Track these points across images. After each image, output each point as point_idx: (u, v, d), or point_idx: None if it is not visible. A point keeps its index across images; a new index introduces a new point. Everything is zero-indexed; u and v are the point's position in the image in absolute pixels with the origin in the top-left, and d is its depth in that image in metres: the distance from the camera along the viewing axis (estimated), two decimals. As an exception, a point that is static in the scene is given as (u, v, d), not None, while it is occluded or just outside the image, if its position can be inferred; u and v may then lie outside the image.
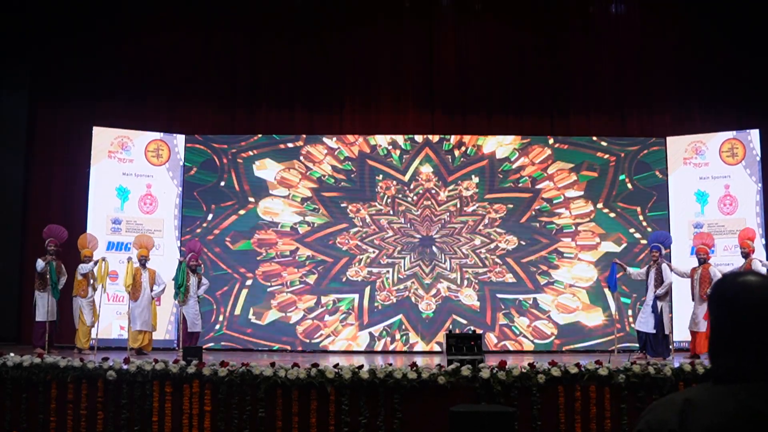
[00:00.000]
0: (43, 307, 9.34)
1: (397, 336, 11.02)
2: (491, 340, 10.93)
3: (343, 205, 11.40)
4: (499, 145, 11.41)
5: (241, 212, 11.33)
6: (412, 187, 11.42)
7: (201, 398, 6.76)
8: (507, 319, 11.11)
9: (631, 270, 9.76)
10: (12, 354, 7.18)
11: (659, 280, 9.15)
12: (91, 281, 9.74)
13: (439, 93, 11.63)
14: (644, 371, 6.71)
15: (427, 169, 11.45)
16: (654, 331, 9.00)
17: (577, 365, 6.77)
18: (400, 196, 11.41)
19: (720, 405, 1.41)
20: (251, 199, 11.35)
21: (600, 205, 11.25)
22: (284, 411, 6.65)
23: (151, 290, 9.81)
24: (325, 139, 11.50)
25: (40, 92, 11.48)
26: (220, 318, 11.08)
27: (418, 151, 11.50)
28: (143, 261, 9.84)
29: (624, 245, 11.08)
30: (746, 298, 1.47)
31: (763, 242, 10.31)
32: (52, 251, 9.56)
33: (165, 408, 6.78)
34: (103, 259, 9.61)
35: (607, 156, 11.34)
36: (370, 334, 11.08)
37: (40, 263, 9.46)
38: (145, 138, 11.16)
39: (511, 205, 11.32)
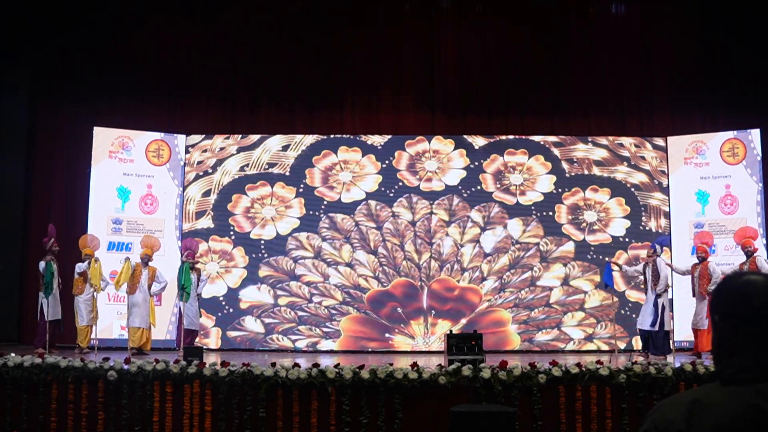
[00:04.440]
0: (45, 306, 9.35)
1: None
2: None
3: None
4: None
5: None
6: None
7: (202, 398, 6.76)
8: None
9: (626, 267, 9.81)
10: (13, 354, 7.19)
11: (657, 278, 9.16)
12: (88, 280, 9.74)
13: (440, 93, 11.61)
14: (645, 371, 6.70)
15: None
16: (655, 329, 9.01)
17: (578, 365, 6.76)
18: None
19: (728, 405, 1.40)
20: None
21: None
22: (285, 411, 6.64)
23: (149, 288, 9.81)
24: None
25: (40, 93, 11.47)
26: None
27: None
28: (145, 260, 9.86)
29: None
30: (753, 298, 1.46)
31: (764, 242, 10.30)
32: (54, 251, 9.59)
33: (165, 408, 6.77)
34: (96, 259, 9.58)
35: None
36: None
37: (41, 264, 9.53)
38: (146, 138, 11.15)
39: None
